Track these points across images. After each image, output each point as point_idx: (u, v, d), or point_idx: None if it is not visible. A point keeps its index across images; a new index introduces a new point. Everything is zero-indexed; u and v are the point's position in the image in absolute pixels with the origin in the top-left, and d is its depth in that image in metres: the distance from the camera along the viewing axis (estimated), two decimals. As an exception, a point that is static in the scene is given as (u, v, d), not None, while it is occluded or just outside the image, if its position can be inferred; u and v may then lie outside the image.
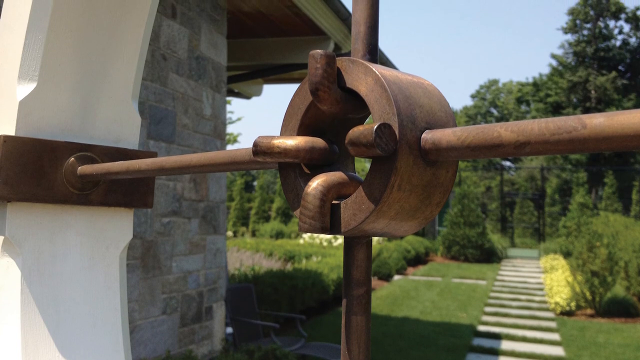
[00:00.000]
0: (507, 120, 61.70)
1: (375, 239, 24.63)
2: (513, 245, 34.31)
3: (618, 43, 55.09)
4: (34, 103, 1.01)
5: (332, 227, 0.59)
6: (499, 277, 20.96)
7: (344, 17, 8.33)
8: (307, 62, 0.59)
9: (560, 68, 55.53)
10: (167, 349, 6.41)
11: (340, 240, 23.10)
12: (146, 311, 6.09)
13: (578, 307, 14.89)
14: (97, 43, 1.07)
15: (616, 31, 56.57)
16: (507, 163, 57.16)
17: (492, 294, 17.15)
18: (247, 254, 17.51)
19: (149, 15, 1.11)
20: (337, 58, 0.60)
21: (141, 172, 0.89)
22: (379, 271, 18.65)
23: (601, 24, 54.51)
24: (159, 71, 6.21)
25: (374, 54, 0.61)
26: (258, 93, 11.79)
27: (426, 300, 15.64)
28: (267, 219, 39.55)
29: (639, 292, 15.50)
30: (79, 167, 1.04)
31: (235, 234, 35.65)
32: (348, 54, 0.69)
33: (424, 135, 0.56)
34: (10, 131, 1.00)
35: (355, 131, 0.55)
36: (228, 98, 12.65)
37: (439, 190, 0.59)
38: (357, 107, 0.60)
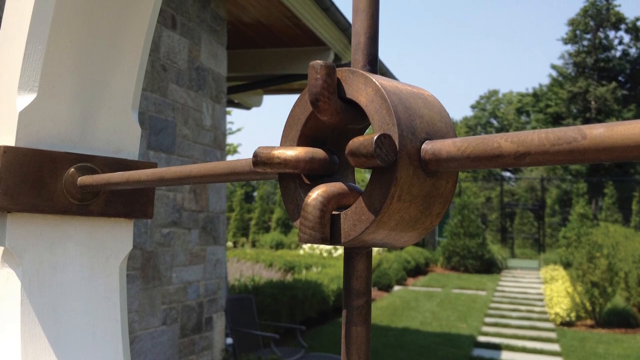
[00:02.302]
0: (507, 130, 61.69)
1: (375, 250, 24.62)
2: (513, 255, 34.30)
3: (618, 54, 55.07)
4: (34, 114, 1.01)
5: (332, 238, 0.59)
6: (499, 288, 20.94)
7: (344, 28, 8.34)
8: (307, 73, 0.59)
9: (560, 79, 55.52)
10: (167, 360, 6.40)
11: (340, 250, 23.09)
12: (146, 322, 6.08)
13: (578, 317, 14.88)
14: (97, 54, 1.07)
15: (616, 42, 56.68)
16: (507, 174, 57.12)
17: (492, 305, 17.13)
18: (247, 265, 17.51)
19: (149, 25, 1.11)
20: (337, 69, 0.60)
21: (141, 183, 0.89)
22: (379, 282, 18.63)
23: (601, 34, 54.53)
24: (159, 82, 6.22)
25: (374, 65, 0.61)
26: (258, 104, 11.79)
27: (426, 311, 15.62)
28: (267, 229, 39.53)
29: (639, 302, 15.49)
30: (79, 178, 1.04)
31: (235, 244, 35.65)
32: (348, 65, 0.69)
33: (424, 145, 0.56)
34: (10, 142, 1.00)
35: (355, 142, 0.55)
36: (228, 109, 12.66)
37: (439, 200, 0.59)
38: (357, 117, 0.60)
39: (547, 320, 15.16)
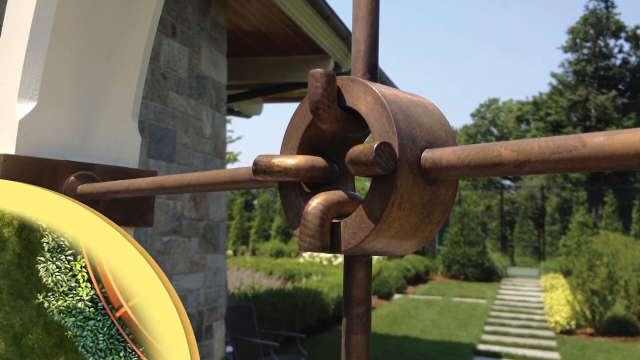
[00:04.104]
0: (507, 139, 61.61)
1: (375, 258, 24.60)
2: (513, 264, 34.22)
3: (618, 62, 55.05)
4: (34, 122, 1.01)
5: (332, 246, 0.59)
6: (499, 296, 20.91)
7: (344, 36, 8.34)
8: (307, 81, 0.59)
9: (560, 87, 55.53)
10: (167, 368, 6.38)
11: (340, 259, 23.07)
12: (145, 330, 6.06)
13: (578, 325, 14.86)
14: (97, 62, 1.07)
15: (616, 50, 56.57)
16: (507, 182, 57.08)
17: (492, 313, 17.10)
18: (247, 273, 17.49)
19: (149, 34, 1.11)
20: (337, 77, 0.60)
21: (141, 191, 0.89)
22: (379, 290, 18.61)
23: (601, 42, 54.55)
24: (159, 90, 6.22)
25: (374, 73, 0.61)
26: (258, 112, 11.79)
27: (426, 319, 15.60)
28: (267, 237, 39.49)
29: (639, 311, 15.46)
30: (79, 186, 1.03)
31: (235, 252, 35.63)
32: (348, 73, 0.69)
33: (424, 154, 0.56)
34: (10, 150, 1.00)
35: (355, 150, 0.55)
36: (228, 117, 12.66)
37: (439, 209, 0.59)
38: (357, 125, 0.60)
39: (547, 328, 15.14)
